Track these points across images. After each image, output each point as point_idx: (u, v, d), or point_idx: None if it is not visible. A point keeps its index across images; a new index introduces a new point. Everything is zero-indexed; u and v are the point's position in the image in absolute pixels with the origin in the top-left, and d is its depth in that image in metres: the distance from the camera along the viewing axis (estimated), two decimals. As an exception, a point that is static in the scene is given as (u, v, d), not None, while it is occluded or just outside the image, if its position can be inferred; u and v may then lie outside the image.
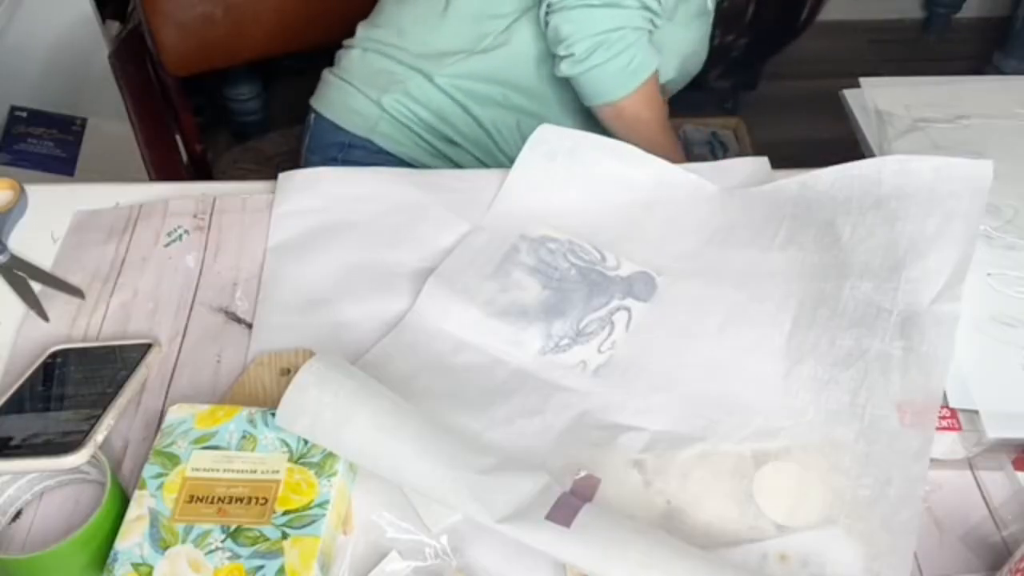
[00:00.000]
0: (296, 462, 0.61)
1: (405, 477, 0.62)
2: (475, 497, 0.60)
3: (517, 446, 0.68)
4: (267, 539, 0.57)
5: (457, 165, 1.14)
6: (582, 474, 0.66)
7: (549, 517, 0.60)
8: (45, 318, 0.77)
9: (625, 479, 0.65)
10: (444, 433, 0.64)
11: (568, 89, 1.08)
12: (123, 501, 0.60)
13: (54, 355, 0.72)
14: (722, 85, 2.16)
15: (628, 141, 0.89)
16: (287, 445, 0.62)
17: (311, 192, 0.87)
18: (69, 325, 0.76)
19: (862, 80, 1.00)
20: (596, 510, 0.62)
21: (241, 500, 0.59)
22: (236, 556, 0.56)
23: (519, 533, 0.59)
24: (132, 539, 0.57)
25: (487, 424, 0.69)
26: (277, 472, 0.60)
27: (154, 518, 0.58)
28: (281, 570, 0.55)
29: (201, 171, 1.45)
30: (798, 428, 0.67)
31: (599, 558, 0.58)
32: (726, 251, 0.82)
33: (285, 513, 0.58)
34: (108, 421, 0.64)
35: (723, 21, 1.51)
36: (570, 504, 0.62)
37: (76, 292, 0.79)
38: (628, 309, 0.77)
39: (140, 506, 0.59)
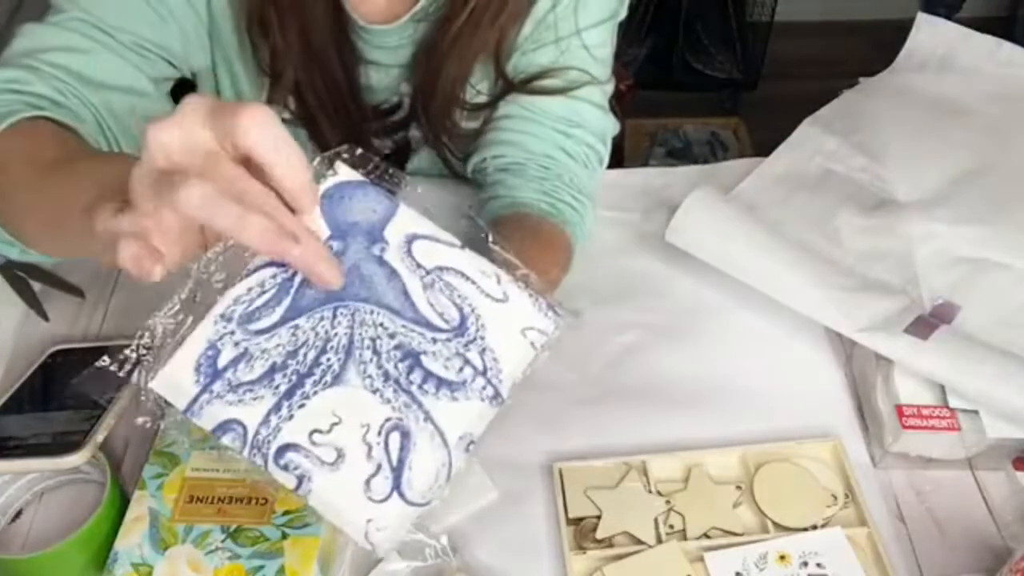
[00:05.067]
0: (296, 462, 0.61)
1: (775, 291, 0.71)
2: (839, 310, 0.68)
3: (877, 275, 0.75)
4: (267, 539, 0.57)
5: None
6: (940, 301, 0.71)
7: (907, 331, 0.66)
8: (45, 318, 0.77)
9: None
10: (813, 256, 0.74)
11: None
12: (123, 501, 0.60)
13: (54, 355, 0.72)
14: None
15: None
16: (287, 445, 0.61)
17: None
18: (69, 325, 0.76)
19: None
20: (953, 331, 0.67)
21: (241, 500, 0.59)
22: (236, 556, 0.56)
23: (876, 342, 0.66)
24: (132, 539, 0.57)
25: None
26: (277, 472, 0.60)
27: (154, 518, 0.58)
28: (281, 570, 0.55)
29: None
30: None
31: (954, 369, 0.63)
32: None
33: (285, 513, 0.58)
34: (108, 421, 0.63)
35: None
36: (929, 323, 0.67)
37: (76, 292, 0.79)
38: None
39: (140, 506, 0.58)
